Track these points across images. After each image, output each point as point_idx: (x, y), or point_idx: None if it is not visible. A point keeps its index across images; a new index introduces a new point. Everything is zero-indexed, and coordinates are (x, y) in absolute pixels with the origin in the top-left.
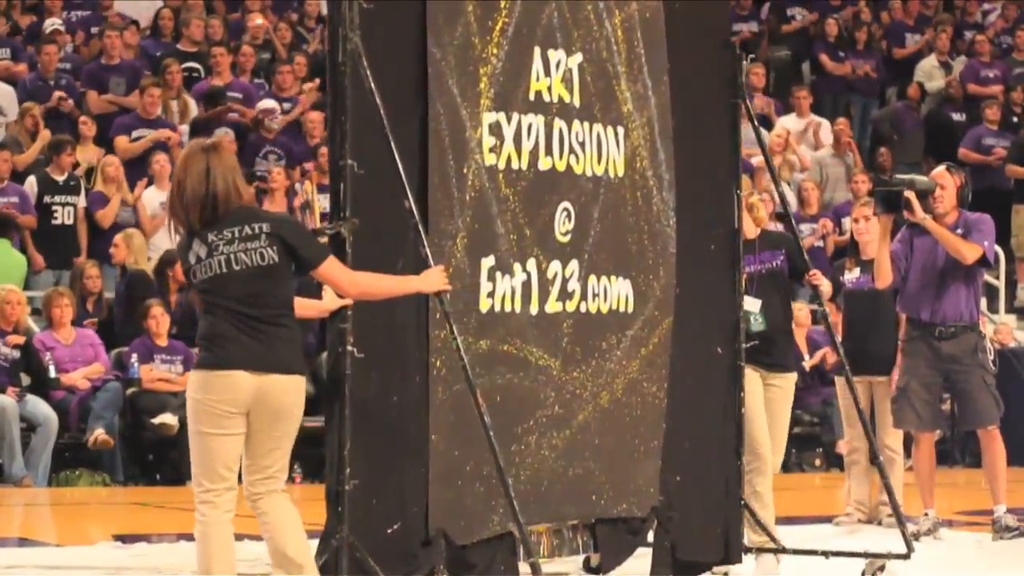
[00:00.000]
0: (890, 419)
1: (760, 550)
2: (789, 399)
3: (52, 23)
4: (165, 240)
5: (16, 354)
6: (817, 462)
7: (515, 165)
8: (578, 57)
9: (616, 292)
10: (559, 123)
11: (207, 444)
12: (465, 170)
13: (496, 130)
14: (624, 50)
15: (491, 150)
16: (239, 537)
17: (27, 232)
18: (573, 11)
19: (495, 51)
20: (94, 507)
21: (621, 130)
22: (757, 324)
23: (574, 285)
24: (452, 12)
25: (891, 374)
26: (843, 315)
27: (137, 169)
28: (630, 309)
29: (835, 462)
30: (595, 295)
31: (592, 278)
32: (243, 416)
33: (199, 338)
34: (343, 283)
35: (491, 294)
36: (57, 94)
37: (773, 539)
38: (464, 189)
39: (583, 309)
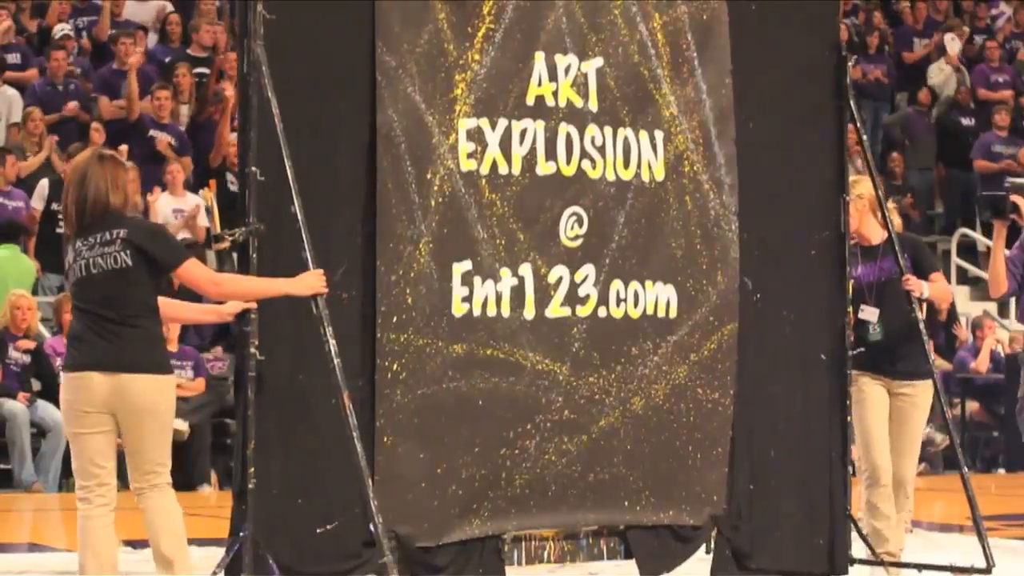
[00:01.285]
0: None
1: (861, 561)
2: (919, 407)
3: (61, 29)
4: None
5: (27, 359)
6: None
7: (503, 170)
8: (597, 61)
9: (652, 297)
10: (567, 128)
11: (75, 443)
12: (430, 175)
13: (476, 136)
14: (667, 53)
15: (470, 156)
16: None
17: (32, 238)
18: (590, 15)
19: (476, 57)
20: None
21: (660, 134)
22: (875, 334)
23: (588, 290)
24: (414, 19)
25: None
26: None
27: (146, 175)
28: (672, 314)
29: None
30: (620, 300)
31: (616, 283)
32: (106, 414)
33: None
34: (203, 284)
35: (467, 299)
36: (72, 104)
37: (873, 552)
38: (428, 195)
39: (602, 314)
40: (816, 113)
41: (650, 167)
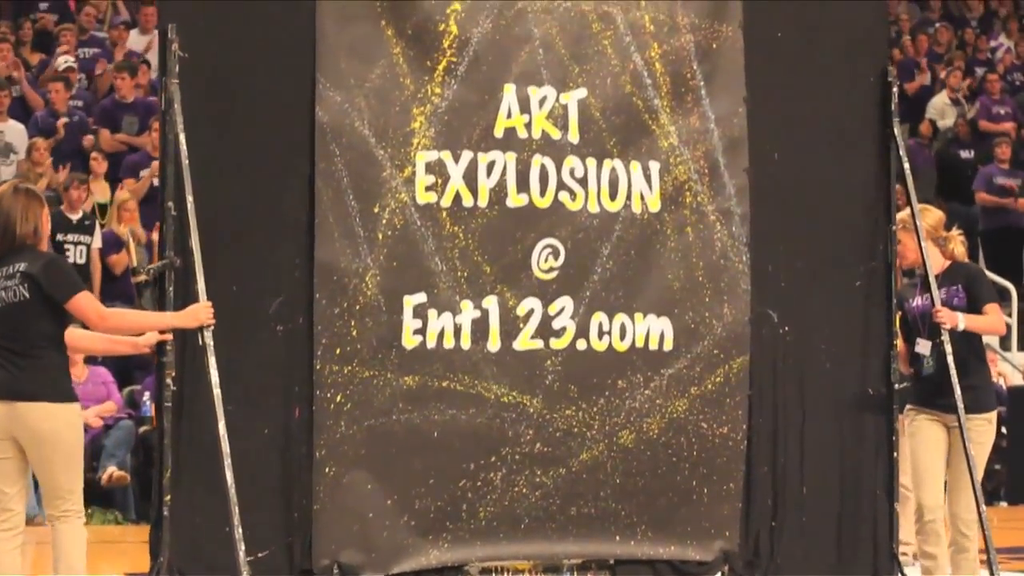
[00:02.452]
0: (905, 456)
1: None
2: (972, 442)
3: (65, 61)
4: None
5: None
6: None
7: (467, 203)
8: (579, 92)
9: (643, 330)
10: (541, 159)
11: None
12: (377, 209)
13: (436, 168)
14: (667, 83)
15: (428, 188)
16: None
17: None
18: (572, 47)
19: (437, 90)
20: (106, 545)
21: (656, 165)
22: (928, 367)
23: (564, 322)
24: (365, 55)
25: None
26: None
27: (147, 208)
28: (667, 347)
29: None
30: (603, 333)
31: (599, 315)
32: (7, 441)
33: None
34: (92, 318)
35: (420, 331)
36: (62, 122)
37: None
38: (375, 228)
39: (580, 347)
40: (857, 141)
41: (643, 198)
